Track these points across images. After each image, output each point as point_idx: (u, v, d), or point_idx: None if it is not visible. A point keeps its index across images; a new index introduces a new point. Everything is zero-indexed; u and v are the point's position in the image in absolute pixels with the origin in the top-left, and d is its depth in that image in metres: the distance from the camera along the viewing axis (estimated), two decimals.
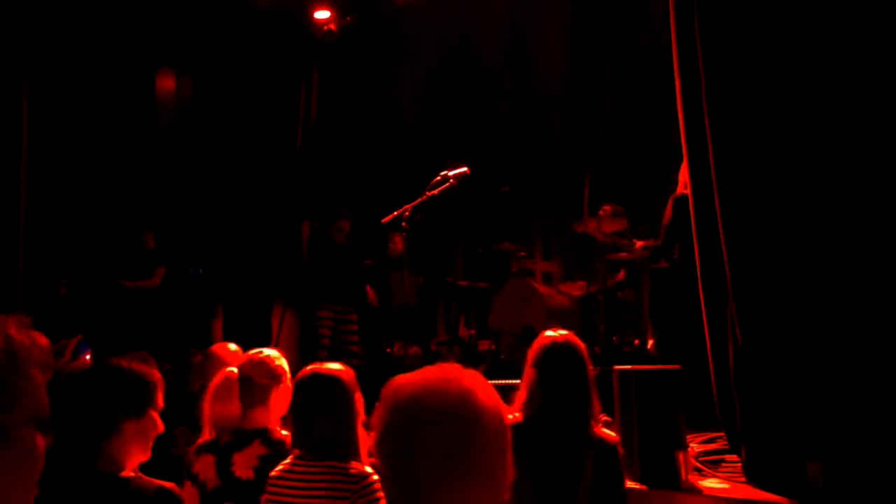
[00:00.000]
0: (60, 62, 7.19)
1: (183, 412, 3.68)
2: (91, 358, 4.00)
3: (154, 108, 8.08)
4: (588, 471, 2.48)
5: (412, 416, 1.15)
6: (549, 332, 2.73)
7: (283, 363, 2.86)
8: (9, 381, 1.04)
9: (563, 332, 2.73)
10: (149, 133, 7.98)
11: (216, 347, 4.03)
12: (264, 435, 2.72)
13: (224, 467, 2.68)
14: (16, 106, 6.47)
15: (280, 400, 2.79)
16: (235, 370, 2.89)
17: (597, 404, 2.61)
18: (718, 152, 3.44)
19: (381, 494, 2.31)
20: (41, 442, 1.09)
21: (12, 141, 6.45)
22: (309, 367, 2.56)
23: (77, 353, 4.15)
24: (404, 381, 1.21)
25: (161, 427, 2.11)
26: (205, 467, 2.71)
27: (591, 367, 2.67)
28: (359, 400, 2.52)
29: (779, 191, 3.26)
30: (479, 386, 1.21)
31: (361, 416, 2.51)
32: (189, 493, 2.68)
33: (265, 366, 2.81)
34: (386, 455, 1.17)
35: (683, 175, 4.77)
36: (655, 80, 7.33)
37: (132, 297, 6.87)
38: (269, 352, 2.88)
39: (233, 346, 4.12)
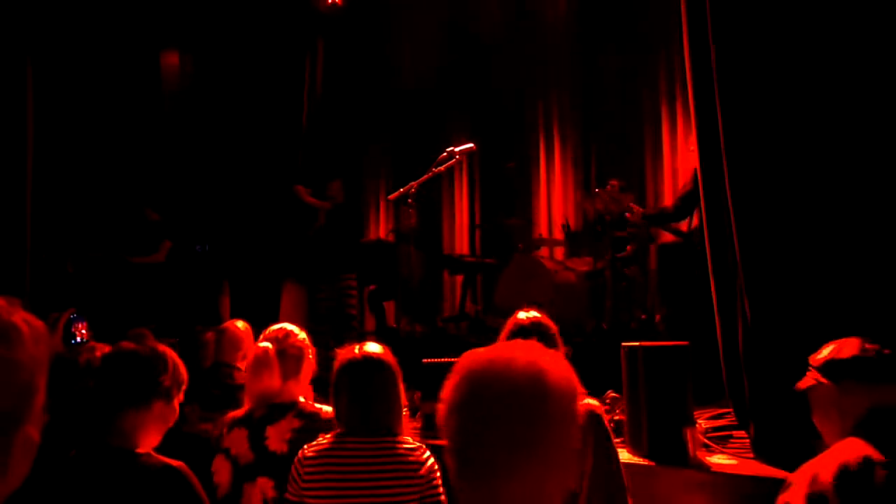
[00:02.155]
0: (65, 42, 7.16)
1: (193, 389, 3.71)
2: (87, 331, 4.01)
3: (159, 85, 8.05)
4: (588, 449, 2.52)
5: (482, 394, 1.15)
6: (521, 314, 2.81)
7: (306, 337, 2.92)
8: None
9: (535, 312, 2.81)
10: (154, 110, 7.96)
11: (228, 325, 4.07)
12: (296, 407, 2.76)
13: (257, 441, 2.70)
14: (21, 85, 6.44)
15: (308, 373, 2.86)
16: (269, 344, 2.91)
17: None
18: (728, 125, 3.42)
19: (436, 466, 2.37)
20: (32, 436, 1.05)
21: (18, 119, 6.43)
22: (357, 350, 2.54)
23: (69, 327, 4.15)
24: (479, 355, 1.21)
25: (177, 417, 2.16)
26: (237, 441, 2.73)
27: (561, 346, 2.71)
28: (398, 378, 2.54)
29: (790, 165, 3.24)
30: (555, 366, 1.20)
31: (401, 393, 2.53)
32: (221, 467, 2.73)
33: (293, 339, 2.87)
34: (457, 427, 1.17)
35: None
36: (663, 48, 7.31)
37: (139, 273, 6.89)
38: (290, 326, 2.93)
39: (241, 324, 4.15)
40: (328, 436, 2.48)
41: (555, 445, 1.15)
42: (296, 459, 2.45)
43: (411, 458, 2.36)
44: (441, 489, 2.35)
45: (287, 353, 2.83)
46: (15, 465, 1.02)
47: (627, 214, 6.12)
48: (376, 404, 2.45)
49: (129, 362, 2.14)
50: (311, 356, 2.90)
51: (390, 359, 2.54)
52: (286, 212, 7.60)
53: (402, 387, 2.54)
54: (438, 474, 2.37)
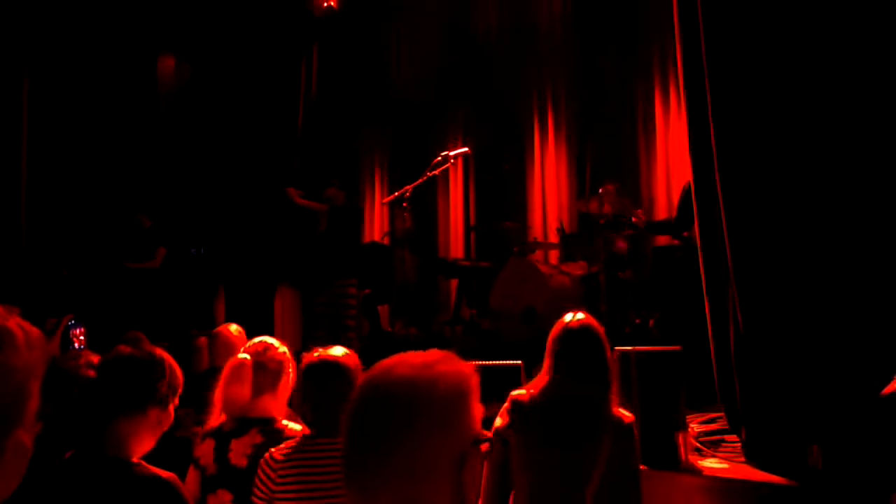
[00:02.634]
0: (61, 46, 7.16)
1: (187, 394, 3.70)
2: (84, 337, 4.02)
3: (155, 90, 8.06)
4: (604, 450, 2.53)
5: (369, 403, 1.17)
6: (568, 315, 2.77)
7: (286, 351, 2.88)
8: None
9: (582, 315, 2.76)
10: (150, 114, 7.96)
11: (221, 329, 4.06)
12: (265, 423, 2.73)
13: (221, 453, 2.68)
14: (17, 90, 6.45)
15: (286, 389, 2.81)
16: (248, 356, 2.90)
17: (615, 385, 2.66)
18: (720, 135, 3.44)
19: None
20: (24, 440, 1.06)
21: (14, 125, 6.44)
22: (317, 354, 2.55)
23: (67, 333, 4.17)
24: (377, 367, 1.21)
25: (171, 419, 2.15)
26: (205, 452, 2.72)
27: (608, 349, 2.71)
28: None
29: (782, 175, 3.25)
30: (448, 374, 1.18)
31: None
32: (191, 477, 2.71)
33: (271, 354, 2.83)
34: (345, 433, 1.19)
35: None
36: (658, 52, 7.34)
37: (133, 278, 6.88)
38: (272, 340, 2.90)
39: (234, 328, 4.15)
40: (294, 439, 2.49)
41: (428, 453, 1.13)
42: (262, 462, 2.45)
43: None
44: None
45: (265, 367, 2.78)
46: (7, 471, 1.03)
47: (634, 219, 6.15)
48: (337, 406, 2.46)
49: (125, 368, 2.12)
50: (290, 371, 2.84)
51: (351, 362, 2.53)
52: (282, 216, 7.60)
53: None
54: None
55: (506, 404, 2.70)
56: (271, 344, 2.86)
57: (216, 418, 2.86)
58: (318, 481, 2.37)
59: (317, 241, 6.83)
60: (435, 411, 1.15)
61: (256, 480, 2.44)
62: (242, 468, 2.63)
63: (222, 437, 2.72)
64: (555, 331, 2.74)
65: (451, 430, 1.16)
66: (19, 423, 1.03)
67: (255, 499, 2.43)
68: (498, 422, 2.68)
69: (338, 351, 2.57)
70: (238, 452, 2.66)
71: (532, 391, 2.67)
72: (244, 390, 2.77)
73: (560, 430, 2.57)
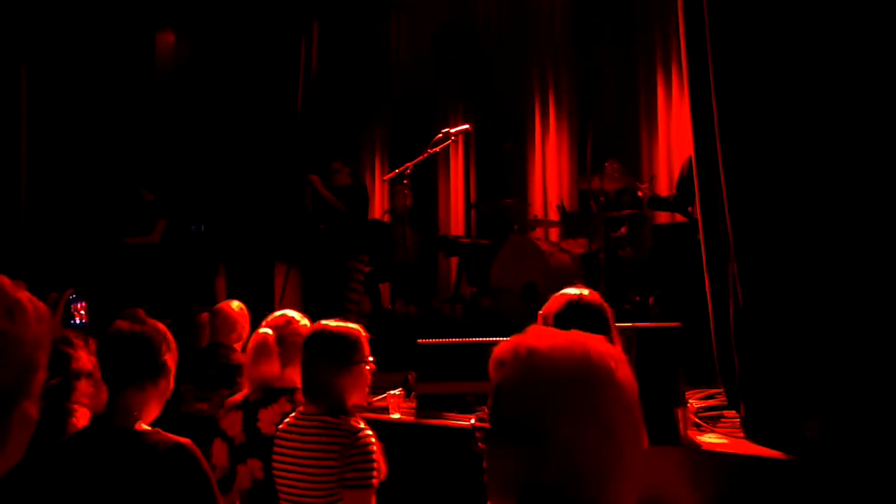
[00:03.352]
0: (59, 22, 7.11)
1: (189, 370, 3.73)
2: (86, 311, 4.03)
3: (154, 65, 8.01)
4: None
5: (556, 381, 1.13)
6: (571, 290, 2.74)
7: (308, 324, 2.92)
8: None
9: (585, 290, 2.74)
10: (149, 91, 7.92)
11: (224, 305, 4.07)
12: (291, 393, 2.81)
13: (250, 423, 2.78)
14: (16, 67, 6.42)
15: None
16: (270, 331, 2.94)
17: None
18: (723, 110, 3.43)
19: (373, 448, 2.37)
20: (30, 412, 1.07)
21: (12, 101, 6.41)
22: (318, 324, 2.61)
23: (69, 307, 4.17)
24: (542, 343, 1.18)
25: (172, 387, 2.18)
26: (232, 423, 2.81)
27: (614, 327, 2.69)
28: (364, 356, 2.54)
29: (784, 150, 3.25)
30: (617, 360, 1.18)
31: (365, 375, 2.54)
32: (218, 449, 2.81)
33: (294, 326, 2.91)
34: (519, 412, 1.14)
35: None
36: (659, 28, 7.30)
37: (134, 253, 6.89)
38: (293, 313, 2.96)
39: (236, 304, 4.16)
40: (296, 412, 2.56)
41: (622, 428, 1.14)
42: None
43: (338, 436, 2.37)
44: (366, 475, 2.33)
45: (287, 340, 2.86)
46: (13, 442, 1.04)
47: (640, 192, 6.14)
48: (321, 380, 2.48)
49: (131, 341, 2.15)
50: None
51: (353, 337, 2.54)
52: (282, 194, 7.59)
53: (359, 365, 2.53)
54: (368, 459, 2.35)
55: None
56: (292, 317, 2.96)
57: (243, 392, 2.93)
58: (290, 456, 2.43)
59: (327, 220, 6.78)
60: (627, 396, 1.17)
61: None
62: (272, 436, 2.68)
63: (250, 408, 2.81)
64: (555, 305, 2.73)
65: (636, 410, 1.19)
66: (27, 395, 1.05)
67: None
68: None
69: (332, 323, 2.59)
70: (267, 421, 2.75)
71: None
72: (273, 364, 2.83)
73: None
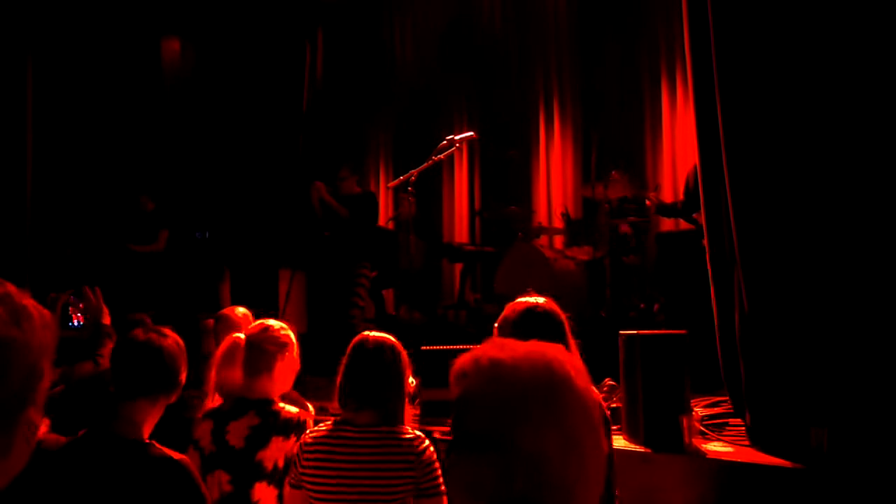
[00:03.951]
0: (65, 28, 7.15)
1: (194, 376, 3.72)
2: (83, 314, 4.03)
3: (160, 72, 8.04)
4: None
5: (520, 391, 1.14)
6: (525, 298, 2.73)
7: (290, 334, 2.88)
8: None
9: (541, 298, 2.72)
10: (155, 97, 7.95)
11: (227, 311, 4.07)
12: (261, 405, 2.75)
13: (219, 434, 2.71)
14: (21, 72, 6.45)
15: (284, 370, 2.82)
16: (243, 336, 2.92)
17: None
18: (727, 116, 3.43)
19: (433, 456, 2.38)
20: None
21: (18, 106, 6.44)
22: (363, 337, 2.56)
23: (66, 310, 4.17)
24: (503, 354, 1.19)
25: (176, 397, 2.18)
26: (204, 433, 2.75)
27: (571, 338, 2.66)
28: (407, 368, 2.54)
29: (788, 156, 3.25)
30: (576, 369, 1.19)
31: (408, 384, 2.53)
32: (192, 457, 2.72)
33: (270, 334, 2.84)
34: (483, 423, 1.15)
35: None
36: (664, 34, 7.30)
37: (138, 259, 6.90)
38: (273, 322, 2.90)
39: (241, 310, 4.15)
40: (328, 422, 2.50)
41: (582, 438, 1.15)
42: (297, 445, 2.49)
43: (406, 449, 2.37)
44: (440, 480, 2.35)
45: (261, 348, 2.79)
46: (17, 448, 1.04)
47: (647, 202, 6.13)
48: (375, 392, 2.46)
49: (154, 354, 2.14)
50: (291, 353, 2.85)
51: (396, 348, 2.54)
52: (288, 200, 7.59)
53: (407, 375, 2.54)
54: (437, 464, 2.37)
55: None
56: (271, 325, 2.87)
57: (212, 399, 2.88)
58: (340, 469, 2.37)
59: (333, 227, 6.76)
60: (587, 406, 1.18)
61: (291, 462, 2.49)
62: (239, 449, 2.66)
63: (220, 418, 2.76)
64: (511, 313, 2.69)
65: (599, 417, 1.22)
66: (32, 402, 1.05)
67: (289, 479, 2.48)
68: None
69: (383, 336, 2.57)
70: (235, 434, 2.70)
71: None
72: (235, 372, 2.80)
73: None
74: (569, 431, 1.13)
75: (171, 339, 2.18)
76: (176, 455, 2.03)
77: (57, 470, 2.00)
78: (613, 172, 6.38)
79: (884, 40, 3.09)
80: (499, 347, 1.21)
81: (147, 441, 2.07)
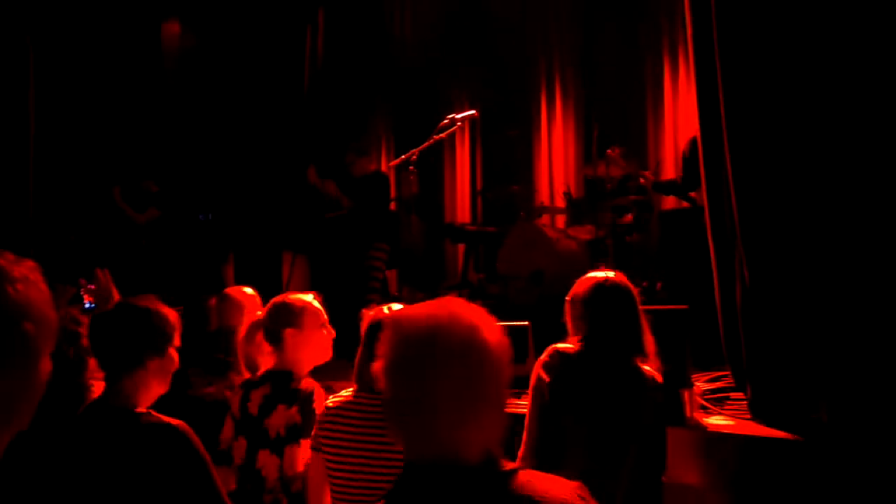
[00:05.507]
0: (65, 12, 7.13)
1: (198, 354, 3.76)
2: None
3: (160, 57, 8.02)
4: (632, 408, 2.57)
5: (428, 348, 1.23)
6: (597, 273, 2.79)
7: (309, 305, 2.92)
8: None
9: (610, 272, 2.78)
10: (156, 80, 7.94)
11: (232, 290, 4.09)
12: (277, 376, 2.86)
13: (244, 403, 2.87)
14: (23, 57, 6.43)
15: (301, 343, 2.88)
16: (261, 314, 3.05)
17: (649, 342, 2.67)
18: (728, 93, 3.42)
19: None
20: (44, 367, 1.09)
21: (19, 91, 6.43)
22: (385, 310, 2.64)
23: (79, 291, 4.20)
24: (413, 313, 1.30)
25: (177, 363, 2.18)
26: (234, 402, 2.93)
27: (640, 307, 2.74)
28: None
29: (789, 132, 3.24)
30: (484, 319, 1.29)
31: None
32: (228, 426, 2.90)
33: (279, 310, 2.92)
34: (399, 384, 1.26)
35: None
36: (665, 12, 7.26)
37: (142, 242, 6.92)
38: (294, 296, 2.97)
39: (248, 290, 4.18)
40: (350, 390, 2.59)
41: (493, 390, 1.26)
42: (322, 410, 2.60)
43: None
44: None
45: (267, 325, 2.90)
46: (24, 406, 1.07)
47: (641, 180, 6.12)
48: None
49: (116, 323, 2.14)
50: (310, 324, 2.91)
51: None
52: (290, 181, 7.58)
53: None
54: None
55: (544, 357, 2.72)
56: (293, 299, 2.95)
57: (243, 374, 3.03)
58: (356, 436, 2.45)
59: (336, 209, 6.73)
60: (495, 357, 1.30)
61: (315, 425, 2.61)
62: (254, 416, 2.80)
63: (246, 388, 2.92)
64: (581, 289, 2.74)
65: (506, 369, 1.32)
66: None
67: (312, 440, 2.60)
68: (538, 373, 2.70)
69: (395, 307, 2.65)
70: (254, 402, 2.84)
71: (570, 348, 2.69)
72: (258, 346, 2.91)
73: (589, 390, 2.62)
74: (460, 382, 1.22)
75: (142, 304, 2.16)
76: (171, 420, 2.03)
77: (56, 445, 2.02)
78: (608, 151, 6.37)
79: (886, 16, 3.07)
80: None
81: (143, 410, 2.08)
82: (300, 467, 2.64)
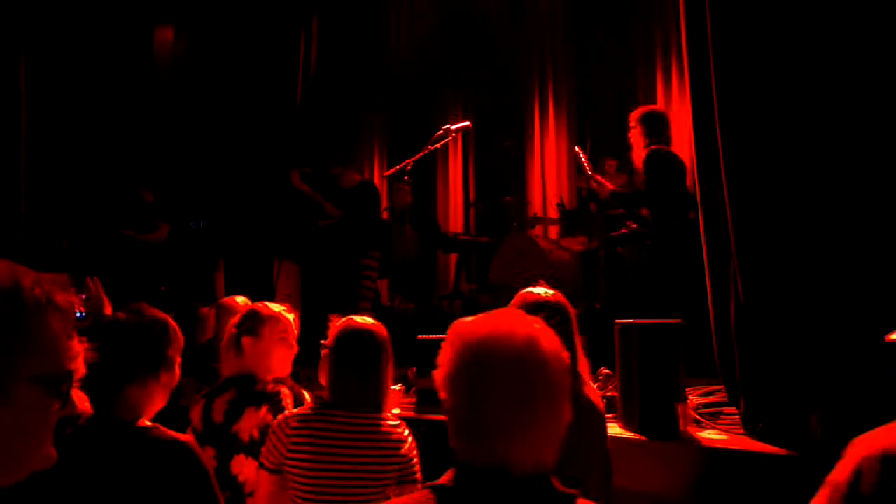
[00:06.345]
0: (58, 18, 7.10)
1: (189, 364, 3.72)
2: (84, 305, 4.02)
3: (153, 62, 8.00)
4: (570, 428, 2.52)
5: (485, 359, 1.26)
6: (534, 289, 2.73)
7: (276, 314, 2.91)
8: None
9: (550, 291, 2.72)
10: (148, 86, 7.92)
11: (224, 300, 4.06)
12: (242, 381, 2.83)
13: (207, 412, 2.80)
14: (15, 63, 6.41)
15: (260, 352, 2.86)
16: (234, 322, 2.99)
17: (582, 361, 2.63)
18: (724, 109, 3.43)
19: (415, 444, 2.42)
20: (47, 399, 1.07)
21: (12, 97, 6.40)
22: (351, 322, 2.56)
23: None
24: (473, 325, 1.32)
25: (178, 378, 2.15)
26: (196, 413, 2.84)
27: (575, 325, 2.67)
28: (389, 355, 2.55)
29: (785, 147, 3.25)
30: (543, 332, 1.30)
31: (390, 370, 2.54)
32: (188, 439, 2.78)
33: (245, 317, 2.93)
34: (455, 391, 1.29)
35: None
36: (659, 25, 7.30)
37: (134, 249, 6.88)
38: (266, 305, 2.95)
39: (241, 299, 4.15)
40: (310, 405, 2.53)
41: (549, 405, 1.27)
42: (275, 426, 2.45)
43: (394, 436, 2.38)
44: (418, 467, 2.39)
45: (246, 328, 2.87)
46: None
47: (593, 184, 5.83)
48: (366, 379, 2.46)
49: (130, 333, 2.11)
50: (273, 331, 2.89)
51: (384, 335, 2.56)
52: (282, 191, 7.56)
53: (391, 364, 2.55)
54: (416, 452, 2.42)
55: None
56: (262, 308, 2.94)
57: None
58: (328, 455, 2.36)
59: (327, 217, 6.70)
60: (553, 370, 1.31)
61: (267, 443, 2.45)
62: (219, 424, 2.74)
63: (209, 397, 2.85)
64: (520, 303, 2.68)
65: (564, 392, 1.33)
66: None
67: (263, 460, 2.45)
68: None
69: (370, 322, 2.57)
70: (218, 410, 2.78)
71: None
72: (231, 355, 2.88)
73: None
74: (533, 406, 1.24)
75: (147, 316, 2.13)
76: (178, 436, 2.01)
77: (59, 458, 1.98)
78: (609, 162, 6.38)
79: (878, 36, 3.09)
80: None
81: (148, 424, 2.05)
82: None
